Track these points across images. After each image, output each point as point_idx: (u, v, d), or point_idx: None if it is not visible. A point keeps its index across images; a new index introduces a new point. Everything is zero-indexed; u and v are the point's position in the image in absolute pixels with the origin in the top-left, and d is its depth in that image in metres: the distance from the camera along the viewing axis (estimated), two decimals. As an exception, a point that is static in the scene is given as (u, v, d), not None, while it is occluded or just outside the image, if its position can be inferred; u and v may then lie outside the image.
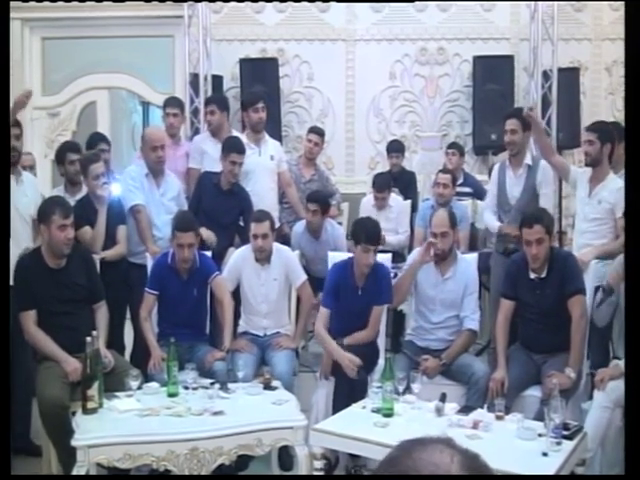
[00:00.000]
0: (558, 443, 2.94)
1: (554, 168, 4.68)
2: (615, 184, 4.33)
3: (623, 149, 4.76)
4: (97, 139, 5.39)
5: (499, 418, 3.30)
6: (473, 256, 4.77)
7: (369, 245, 4.03)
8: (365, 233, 4.04)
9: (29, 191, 4.24)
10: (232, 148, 4.90)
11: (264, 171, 5.29)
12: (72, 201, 4.54)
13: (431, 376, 3.94)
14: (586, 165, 4.47)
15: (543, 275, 3.90)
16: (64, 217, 3.74)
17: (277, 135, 6.47)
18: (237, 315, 4.52)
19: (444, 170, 5.85)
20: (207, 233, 4.68)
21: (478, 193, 6.10)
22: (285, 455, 3.85)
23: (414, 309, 4.27)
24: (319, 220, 5.23)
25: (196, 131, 6.60)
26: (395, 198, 5.95)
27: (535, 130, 4.60)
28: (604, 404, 3.43)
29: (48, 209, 3.78)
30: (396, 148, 6.45)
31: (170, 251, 4.23)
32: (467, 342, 4.16)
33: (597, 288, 3.95)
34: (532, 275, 3.92)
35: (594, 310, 3.88)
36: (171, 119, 5.50)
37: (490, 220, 4.90)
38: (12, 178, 4.21)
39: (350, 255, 4.28)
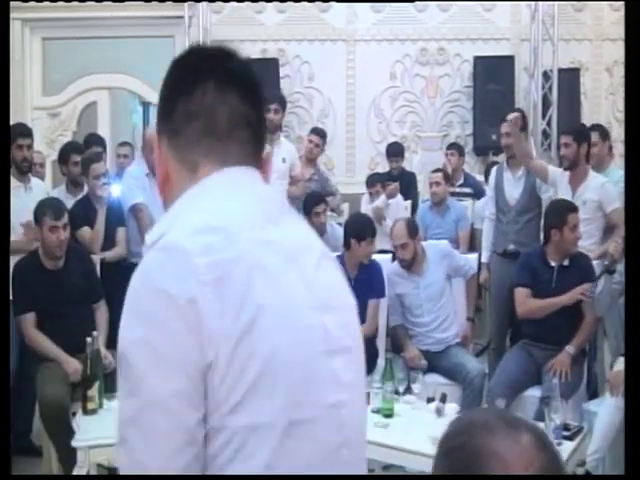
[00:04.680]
0: (558, 444, 2.94)
1: (533, 172, 4.68)
2: (597, 182, 4.41)
3: (607, 148, 4.92)
4: (92, 142, 5.38)
5: (499, 418, 3.29)
6: (473, 256, 4.79)
7: (373, 237, 4.28)
8: (369, 228, 4.30)
9: (37, 197, 4.24)
10: None
11: (274, 172, 5.29)
12: (74, 201, 4.55)
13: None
14: (565, 169, 4.51)
15: (565, 263, 3.95)
16: (55, 219, 3.74)
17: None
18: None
19: (436, 169, 5.86)
20: None
21: (478, 193, 6.10)
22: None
23: (406, 323, 4.30)
24: (325, 219, 5.22)
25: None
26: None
27: (514, 137, 4.61)
28: (616, 404, 3.41)
29: (40, 211, 3.79)
30: (395, 152, 6.44)
31: None
32: (474, 285, 4.58)
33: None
34: (552, 263, 3.95)
35: (595, 296, 3.89)
36: None
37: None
38: (21, 186, 4.24)
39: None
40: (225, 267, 1.01)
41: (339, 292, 1.20)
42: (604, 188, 4.36)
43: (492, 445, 0.91)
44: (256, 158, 1.17)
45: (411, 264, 4.22)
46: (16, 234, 4.02)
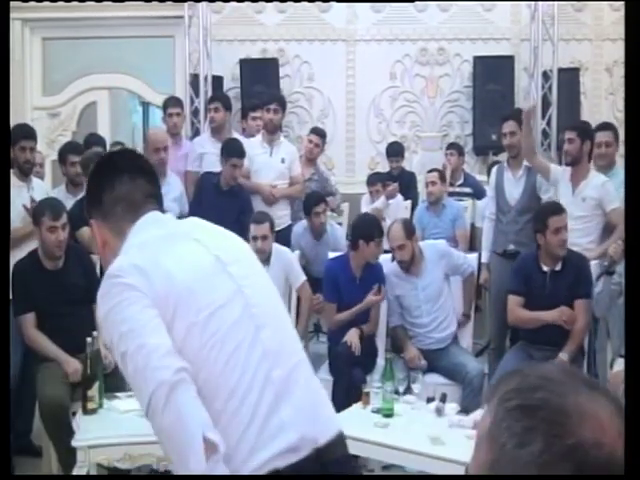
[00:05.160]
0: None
1: (535, 168, 4.68)
2: (598, 180, 4.39)
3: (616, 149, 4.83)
4: (92, 142, 5.39)
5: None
6: (473, 256, 4.78)
7: (381, 237, 4.28)
8: (377, 228, 4.30)
9: (38, 197, 4.27)
10: (233, 152, 4.91)
11: (272, 172, 5.30)
12: (74, 201, 4.55)
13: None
14: (567, 164, 4.51)
15: (557, 268, 3.92)
16: (53, 219, 3.74)
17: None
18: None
19: (432, 169, 5.87)
20: None
21: (478, 193, 6.10)
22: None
23: (405, 324, 4.30)
24: (325, 219, 5.21)
25: (196, 132, 6.61)
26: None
27: (524, 129, 4.58)
28: None
29: (39, 211, 3.80)
30: (395, 152, 6.45)
31: None
32: (472, 283, 4.54)
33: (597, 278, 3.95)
34: (545, 268, 3.93)
35: (594, 297, 3.87)
36: (174, 119, 5.51)
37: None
38: (23, 186, 4.27)
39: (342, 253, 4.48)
40: (141, 262, 1.59)
41: (229, 240, 1.79)
42: (604, 187, 4.35)
43: (582, 405, 0.77)
44: (160, 209, 1.77)
45: (409, 265, 4.23)
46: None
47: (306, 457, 1.54)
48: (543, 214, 3.98)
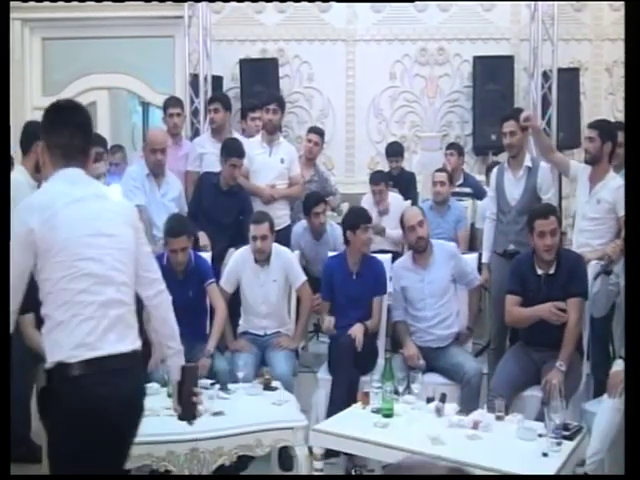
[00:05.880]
0: (558, 443, 2.94)
1: (554, 165, 4.66)
2: (614, 183, 4.32)
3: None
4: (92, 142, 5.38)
5: (499, 418, 3.30)
6: (473, 256, 4.78)
7: (367, 224, 4.40)
8: (362, 216, 4.42)
9: None
10: (232, 152, 4.91)
11: (271, 172, 5.30)
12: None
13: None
14: (586, 162, 4.47)
15: (551, 271, 3.89)
16: None
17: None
18: (237, 315, 4.52)
19: (440, 169, 5.86)
20: (203, 239, 4.71)
21: (478, 193, 6.10)
22: (285, 455, 3.85)
23: (408, 317, 4.29)
24: (325, 219, 5.21)
25: (196, 132, 6.61)
26: (393, 196, 5.92)
27: (534, 132, 4.59)
28: (616, 406, 3.38)
29: None
30: (395, 152, 6.44)
31: (165, 252, 4.22)
32: (478, 296, 4.56)
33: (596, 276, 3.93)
34: (539, 271, 3.91)
35: (591, 297, 3.85)
36: (175, 119, 5.52)
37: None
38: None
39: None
40: (41, 205, 2.24)
41: (118, 217, 2.39)
42: (619, 191, 4.22)
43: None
44: (85, 165, 2.38)
45: (426, 245, 4.23)
46: None
47: (113, 354, 2.27)
48: (531, 216, 3.95)
